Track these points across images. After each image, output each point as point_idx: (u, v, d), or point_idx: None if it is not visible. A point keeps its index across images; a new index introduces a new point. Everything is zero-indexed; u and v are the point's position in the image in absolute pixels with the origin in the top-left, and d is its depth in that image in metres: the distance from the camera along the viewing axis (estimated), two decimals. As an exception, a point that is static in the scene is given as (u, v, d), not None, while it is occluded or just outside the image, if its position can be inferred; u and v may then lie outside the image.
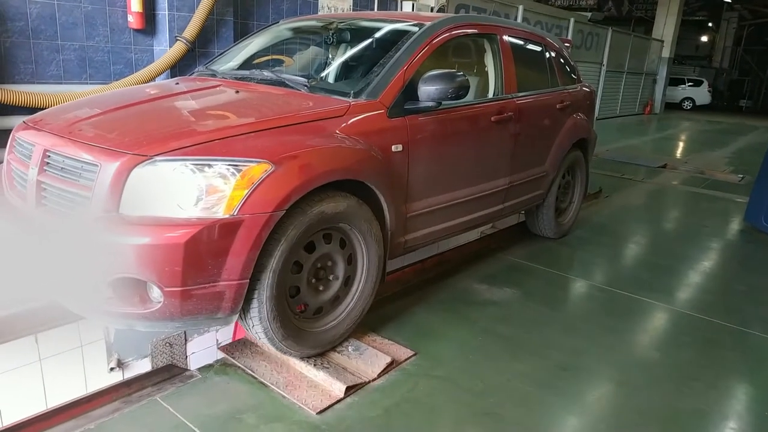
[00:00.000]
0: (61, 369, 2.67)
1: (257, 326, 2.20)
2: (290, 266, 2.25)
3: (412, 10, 7.36)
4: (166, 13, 5.11)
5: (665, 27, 18.38)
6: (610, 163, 8.15)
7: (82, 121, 2.32)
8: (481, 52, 3.47)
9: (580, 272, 3.81)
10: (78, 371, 2.76)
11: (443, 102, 2.73)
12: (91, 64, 4.86)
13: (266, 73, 2.90)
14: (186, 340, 3.10)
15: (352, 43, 3.34)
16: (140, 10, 4.97)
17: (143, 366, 2.86)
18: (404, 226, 2.79)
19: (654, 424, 2.23)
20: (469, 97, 3.18)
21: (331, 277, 2.47)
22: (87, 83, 4.82)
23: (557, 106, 3.98)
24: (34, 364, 2.59)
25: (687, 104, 23.04)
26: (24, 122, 2.47)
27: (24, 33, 4.41)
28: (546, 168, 3.96)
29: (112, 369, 2.83)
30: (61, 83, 4.65)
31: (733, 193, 6.74)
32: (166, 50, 5.13)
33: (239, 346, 2.57)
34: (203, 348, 3.12)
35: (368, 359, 2.47)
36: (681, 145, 11.73)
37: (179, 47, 5.10)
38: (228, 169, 2.01)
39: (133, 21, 5.00)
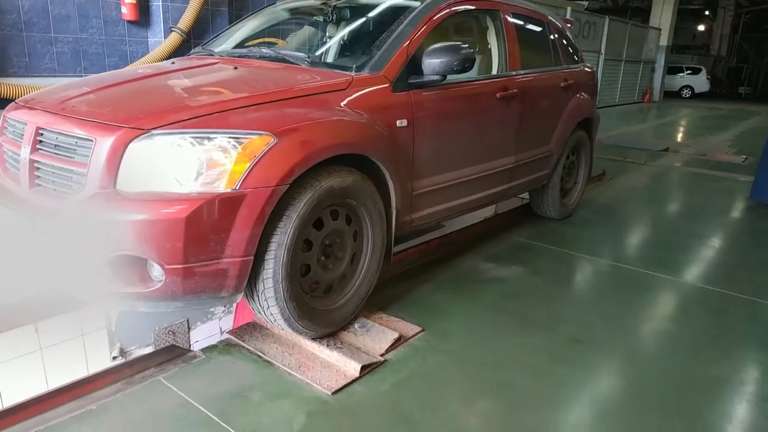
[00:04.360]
0: (63, 358, 2.62)
1: (273, 306, 2.14)
2: (301, 244, 2.19)
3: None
4: (160, 4, 5.06)
5: (662, 15, 18.32)
6: (612, 148, 8.10)
7: (76, 98, 2.26)
8: (484, 29, 3.41)
9: (588, 250, 3.76)
10: (80, 361, 2.71)
11: (448, 76, 2.67)
12: (86, 56, 4.81)
13: (265, 50, 2.85)
14: (189, 328, 3.05)
15: (353, 20, 3.28)
16: (134, 2, 4.93)
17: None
18: (410, 205, 2.73)
19: (671, 392, 2.18)
20: (473, 74, 3.13)
21: (339, 254, 2.42)
22: (82, 76, 4.77)
23: (561, 85, 3.93)
24: (34, 353, 2.54)
25: (686, 92, 22.98)
26: (15, 102, 2.41)
27: (16, 26, 4.37)
28: (551, 147, 3.90)
29: (114, 358, 2.78)
30: (55, 76, 4.61)
31: (737, 173, 6.69)
32: (161, 42, 5.09)
33: (248, 329, 2.52)
34: (207, 336, 3.06)
35: (375, 335, 2.42)
36: (682, 130, 11.67)
37: (174, 38, 5.06)
38: (229, 141, 1.95)
39: (127, 12, 4.96)
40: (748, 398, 2.17)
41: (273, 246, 2.06)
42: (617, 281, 3.26)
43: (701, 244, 4.01)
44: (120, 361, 2.78)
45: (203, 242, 1.89)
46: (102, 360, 2.74)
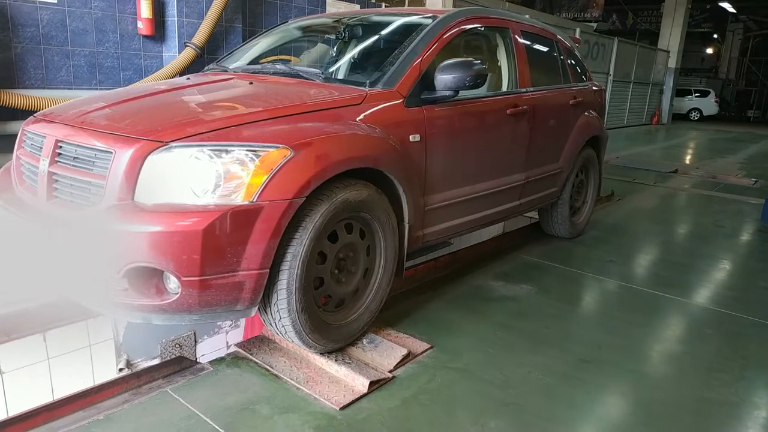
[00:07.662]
0: (69, 369, 2.61)
1: (285, 319, 2.13)
2: (315, 256, 2.20)
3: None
4: (176, 19, 5.13)
5: (671, 37, 18.39)
6: (620, 169, 8.09)
7: (95, 111, 2.29)
8: (495, 47, 3.44)
9: (597, 270, 3.74)
10: (86, 371, 2.70)
11: (460, 92, 2.69)
12: (101, 69, 4.87)
13: (279, 66, 2.88)
14: (196, 342, 3.04)
15: (365, 37, 3.32)
16: (150, 17, 4.99)
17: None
18: (422, 220, 2.73)
19: (684, 414, 2.15)
20: (484, 90, 3.15)
21: (352, 269, 2.42)
22: (97, 89, 4.83)
23: (570, 103, 3.95)
24: (41, 363, 2.54)
25: (694, 115, 22.97)
26: (34, 116, 2.44)
27: (35, 39, 4.43)
28: (560, 165, 3.91)
29: (120, 370, 2.77)
30: (71, 88, 4.66)
31: (747, 195, 6.65)
32: (176, 56, 5.14)
33: (256, 342, 2.51)
34: (214, 350, 3.06)
35: (384, 351, 2.40)
36: (691, 152, 11.65)
37: (188, 53, 5.11)
38: (246, 154, 1.96)
39: (143, 27, 5.02)
40: (763, 423, 2.14)
41: (288, 257, 2.06)
42: (627, 302, 3.24)
43: (711, 266, 3.98)
44: (126, 373, 2.78)
45: (220, 254, 1.89)
46: (108, 371, 2.74)
